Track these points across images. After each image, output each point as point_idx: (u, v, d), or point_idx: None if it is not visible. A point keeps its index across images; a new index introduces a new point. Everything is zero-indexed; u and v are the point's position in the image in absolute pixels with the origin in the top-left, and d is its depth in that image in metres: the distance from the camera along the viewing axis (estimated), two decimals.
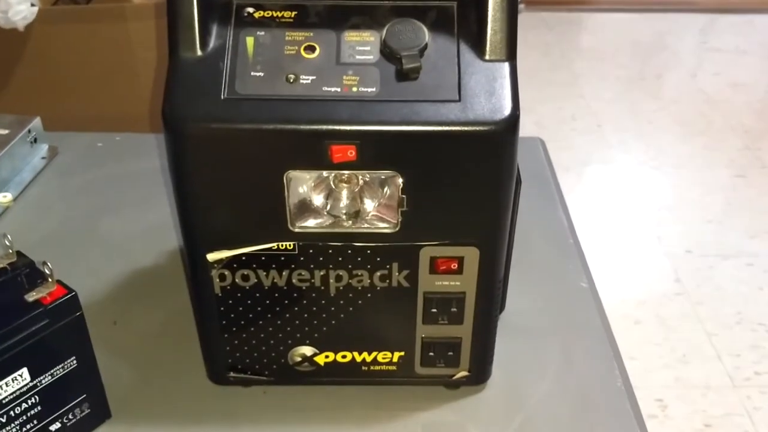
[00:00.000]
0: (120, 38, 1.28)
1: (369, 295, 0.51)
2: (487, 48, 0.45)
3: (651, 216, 1.85)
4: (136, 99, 1.28)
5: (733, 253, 1.73)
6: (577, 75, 2.48)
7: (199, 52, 0.45)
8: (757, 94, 2.47)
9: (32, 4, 1.24)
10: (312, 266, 0.49)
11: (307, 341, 0.53)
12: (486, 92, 0.44)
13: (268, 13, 0.47)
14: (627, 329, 1.49)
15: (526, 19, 2.58)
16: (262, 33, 0.46)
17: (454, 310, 0.52)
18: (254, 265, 0.49)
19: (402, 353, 0.54)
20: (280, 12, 0.47)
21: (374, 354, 0.54)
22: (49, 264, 0.48)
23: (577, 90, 2.39)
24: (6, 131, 0.82)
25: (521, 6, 2.45)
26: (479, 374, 0.56)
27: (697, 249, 1.74)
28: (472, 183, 0.46)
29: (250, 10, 0.47)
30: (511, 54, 0.45)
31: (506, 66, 0.45)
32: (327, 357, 0.54)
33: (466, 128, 0.44)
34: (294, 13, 0.47)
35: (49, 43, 1.28)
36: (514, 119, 0.44)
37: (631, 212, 1.86)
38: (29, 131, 0.83)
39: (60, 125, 0.89)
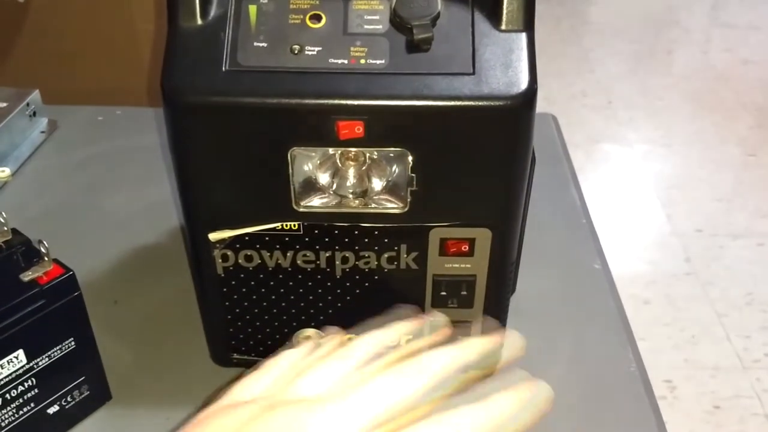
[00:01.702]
0: (121, 9, 1.25)
1: (376, 277, 0.49)
2: (504, 17, 0.43)
3: (661, 194, 1.83)
4: (137, 72, 1.26)
5: (744, 233, 1.71)
6: (587, 50, 2.45)
7: (200, 21, 0.43)
8: None
9: None
10: (317, 247, 0.48)
11: (312, 324, 0.51)
12: (502, 65, 0.42)
13: None
14: (636, 309, 1.48)
15: None
16: (266, 1, 0.44)
17: (465, 293, 0.50)
18: (258, 246, 0.47)
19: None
20: None
21: None
22: (45, 242, 0.46)
23: (587, 65, 2.36)
24: (4, 104, 0.80)
25: None
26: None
27: (707, 228, 1.72)
28: (486, 161, 0.44)
29: None
30: (528, 24, 0.43)
31: (523, 36, 0.43)
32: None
33: (480, 103, 0.42)
34: None
35: (48, 14, 1.26)
36: (531, 93, 0.42)
37: (641, 191, 1.84)
38: (28, 104, 0.81)
39: (60, 98, 0.87)
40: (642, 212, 1.77)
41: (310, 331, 0.52)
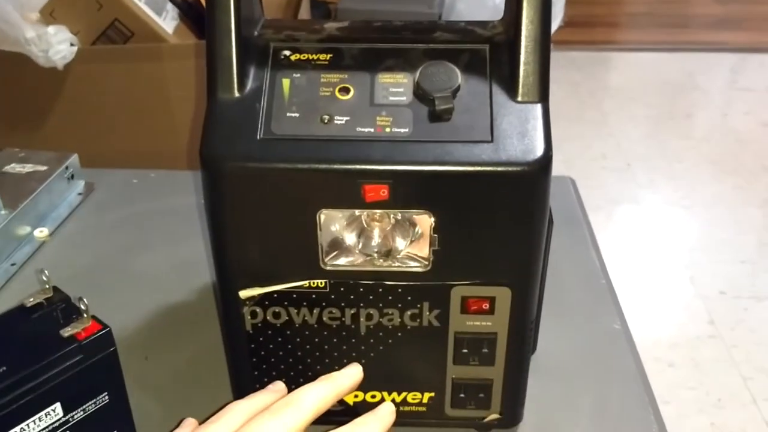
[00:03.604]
0: (157, 77, 1.31)
1: (399, 334, 0.51)
2: (520, 90, 0.46)
3: (683, 256, 1.82)
4: (172, 136, 1.31)
5: None
6: (606, 114, 2.48)
7: (237, 94, 0.46)
8: None
9: (72, 44, 1.28)
10: (343, 304, 0.49)
11: None
12: (518, 133, 0.45)
13: (304, 56, 0.48)
14: (660, 372, 1.46)
15: (554, 58, 2.57)
16: (298, 75, 0.47)
17: (486, 350, 0.51)
18: (286, 303, 0.49)
19: (432, 394, 0.53)
20: (316, 55, 0.48)
21: (404, 394, 0.53)
22: (84, 299, 0.48)
23: (606, 129, 2.39)
24: (44, 167, 0.84)
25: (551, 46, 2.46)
26: (511, 417, 0.55)
27: (731, 290, 1.71)
28: (505, 223, 0.46)
29: (287, 53, 0.48)
30: (543, 96, 0.46)
31: (539, 107, 0.46)
32: (356, 396, 0.53)
33: (498, 168, 0.44)
34: (329, 55, 0.48)
35: (87, 81, 1.32)
36: (546, 160, 0.44)
37: (663, 252, 1.84)
38: (66, 168, 0.85)
39: (97, 162, 0.91)
40: (664, 274, 1.76)
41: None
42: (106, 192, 0.87)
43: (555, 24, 2.34)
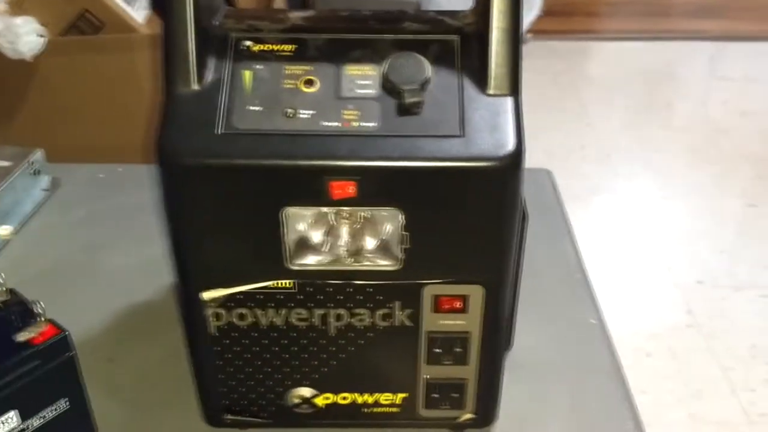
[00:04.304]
0: (128, 68, 1.28)
1: (370, 334, 0.49)
2: (491, 82, 0.44)
3: (661, 246, 1.83)
4: (144, 129, 1.28)
5: (746, 285, 1.70)
6: (585, 104, 2.48)
7: (196, 87, 0.44)
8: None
9: (40, 36, 1.25)
10: (311, 305, 0.48)
11: (306, 382, 0.51)
12: (489, 127, 0.43)
13: (266, 47, 0.46)
14: (638, 362, 1.46)
15: (534, 48, 2.58)
16: (260, 67, 0.45)
17: (459, 350, 0.50)
18: (251, 304, 0.48)
19: (405, 395, 0.52)
20: (279, 45, 0.46)
21: (376, 395, 0.52)
22: (41, 303, 0.46)
23: (585, 119, 2.38)
24: (8, 163, 0.81)
25: (529, 36, 2.45)
26: (485, 416, 0.54)
27: (709, 280, 1.72)
28: (476, 220, 0.45)
29: (248, 43, 0.46)
30: (514, 88, 0.44)
31: (509, 101, 0.44)
32: (327, 398, 0.52)
33: (469, 164, 0.43)
34: (294, 46, 0.46)
35: (57, 73, 1.29)
36: (518, 155, 0.43)
37: (641, 242, 1.84)
38: (31, 163, 0.83)
39: (68, 156, 0.88)
40: (642, 264, 1.76)
41: (304, 390, 0.51)
42: (73, 188, 0.85)
43: (534, 13, 2.33)
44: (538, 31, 2.79)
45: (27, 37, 1.24)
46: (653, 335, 1.56)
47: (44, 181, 0.84)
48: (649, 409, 1.32)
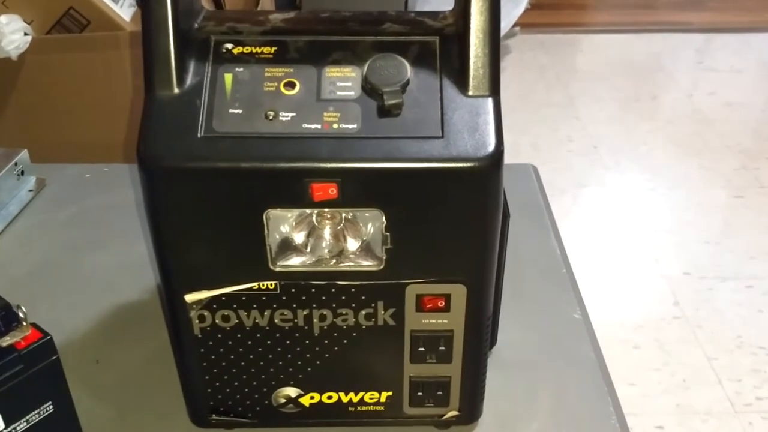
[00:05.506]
0: (115, 66, 1.27)
1: (354, 334, 0.50)
2: (470, 84, 0.45)
3: (648, 238, 1.84)
4: (131, 127, 1.28)
5: (732, 275, 1.71)
6: (572, 96, 2.48)
7: (176, 90, 0.44)
8: (754, 114, 2.46)
9: (25, 34, 1.24)
10: (295, 306, 0.48)
11: (292, 382, 0.51)
12: (469, 128, 0.43)
13: (247, 49, 0.46)
14: (625, 354, 1.47)
15: (521, 41, 2.58)
16: (241, 69, 0.45)
17: (443, 348, 0.50)
18: (235, 306, 0.48)
19: (390, 393, 0.53)
20: (260, 48, 0.46)
21: (361, 394, 0.52)
22: (23, 307, 0.46)
23: (572, 112, 2.39)
24: None
25: (516, 29, 2.45)
26: (470, 413, 0.54)
27: (696, 271, 1.73)
28: (457, 220, 0.45)
29: (229, 46, 0.46)
30: (494, 90, 0.45)
31: (489, 101, 0.44)
32: (312, 398, 0.52)
33: (449, 165, 0.43)
34: (274, 48, 0.46)
35: (42, 72, 1.28)
36: (498, 155, 0.43)
37: (628, 234, 1.85)
38: (16, 164, 0.82)
39: (54, 155, 0.88)
40: (629, 256, 1.77)
41: (289, 390, 0.52)
42: (58, 188, 0.84)
43: (521, 7, 2.33)
44: (526, 24, 2.79)
45: (12, 35, 1.23)
46: (640, 327, 1.57)
47: (29, 181, 0.84)
48: (637, 400, 1.33)
